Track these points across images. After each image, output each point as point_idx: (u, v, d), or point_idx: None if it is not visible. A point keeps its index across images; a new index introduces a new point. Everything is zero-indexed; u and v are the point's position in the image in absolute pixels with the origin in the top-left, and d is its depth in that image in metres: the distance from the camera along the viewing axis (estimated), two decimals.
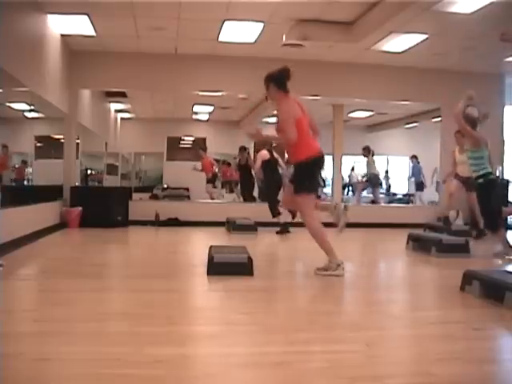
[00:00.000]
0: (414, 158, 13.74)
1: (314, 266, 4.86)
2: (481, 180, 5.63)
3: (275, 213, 8.04)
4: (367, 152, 11.16)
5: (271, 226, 8.11)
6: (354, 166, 16.29)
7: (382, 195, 12.37)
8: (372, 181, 11.28)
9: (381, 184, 11.39)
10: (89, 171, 10.53)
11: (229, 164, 14.21)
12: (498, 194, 6.06)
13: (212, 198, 11.83)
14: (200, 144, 14.38)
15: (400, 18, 6.40)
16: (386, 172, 16.52)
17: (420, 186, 13.40)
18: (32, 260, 5.31)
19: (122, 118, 15.10)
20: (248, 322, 2.98)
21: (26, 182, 7.26)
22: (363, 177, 11.70)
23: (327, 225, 4.53)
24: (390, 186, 16.52)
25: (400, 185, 16.40)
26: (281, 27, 7.21)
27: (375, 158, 11.46)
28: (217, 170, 13.19)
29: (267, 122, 15.34)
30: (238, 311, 3.26)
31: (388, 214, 10.05)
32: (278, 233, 7.91)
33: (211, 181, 12.65)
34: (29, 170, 7.26)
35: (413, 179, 13.84)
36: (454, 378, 2.17)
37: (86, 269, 4.67)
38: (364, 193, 12.10)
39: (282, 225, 7.96)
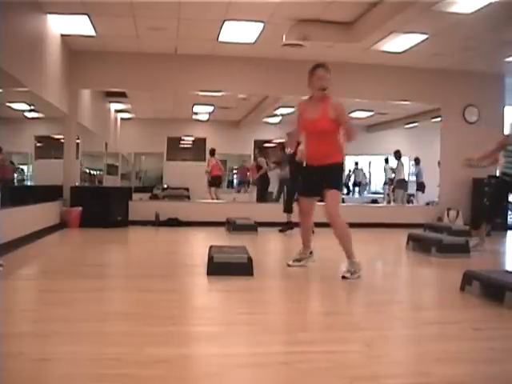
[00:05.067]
0: (415, 160, 13.83)
1: (314, 265, 4.86)
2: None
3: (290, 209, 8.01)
4: (399, 156, 11.41)
5: (273, 226, 8.14)
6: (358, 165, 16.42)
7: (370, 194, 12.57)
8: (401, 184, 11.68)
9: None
10: (88, 171, 10.55)
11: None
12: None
13: (218, 199, 11.88)
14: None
15: (400, 18, 6.40)
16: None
17: (421, 186, 13.46)
18: (32, 260, 5.30)
19: (122, 118, 15.10)
20: (248, 322, 2.98)
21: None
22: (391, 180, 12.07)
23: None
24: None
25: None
26: (281, 27, 7.20)
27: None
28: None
29: (267, 123, 15.40)
30: (238, 311, 3.26)
31: (388, 214, 10.05)
32: (281, 231, 8.02)
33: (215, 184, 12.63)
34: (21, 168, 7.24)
35: (414, 179, 13.89)
36: (454, 378, 2.17)
37: (86, 269, 4.67)
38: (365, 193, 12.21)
39: (287, 223, 8.03)
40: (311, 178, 4.55)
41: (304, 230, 4.80)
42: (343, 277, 4.25)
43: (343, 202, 11.01)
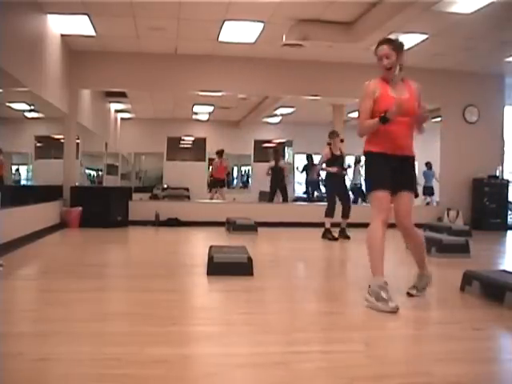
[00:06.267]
0: (427, 164, 13.76)
1: (314, 265, 4.86)
2: None
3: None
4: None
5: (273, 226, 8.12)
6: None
7: None
8: None
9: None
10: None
11: None
12: None
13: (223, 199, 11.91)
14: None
15: (400, 17, 6.39)
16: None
17: (430, 190, 13.43)
18: (32, 260, 5.30)
19: (122, 118, 15.11)
20: (248, 322, 2.98)
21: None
22: None
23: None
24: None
25: None
26: (281, 27, 7.21)
27: None
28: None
29: (267, 123, 15.41)
30: (238, 311, 3.26)
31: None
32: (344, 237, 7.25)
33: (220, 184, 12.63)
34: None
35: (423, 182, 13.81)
36: (454, 378, 2.17)
37: (86, 269, 4.67)
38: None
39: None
40: (386, 168, 3.53)
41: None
42: (409, 294, 3.70)
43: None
